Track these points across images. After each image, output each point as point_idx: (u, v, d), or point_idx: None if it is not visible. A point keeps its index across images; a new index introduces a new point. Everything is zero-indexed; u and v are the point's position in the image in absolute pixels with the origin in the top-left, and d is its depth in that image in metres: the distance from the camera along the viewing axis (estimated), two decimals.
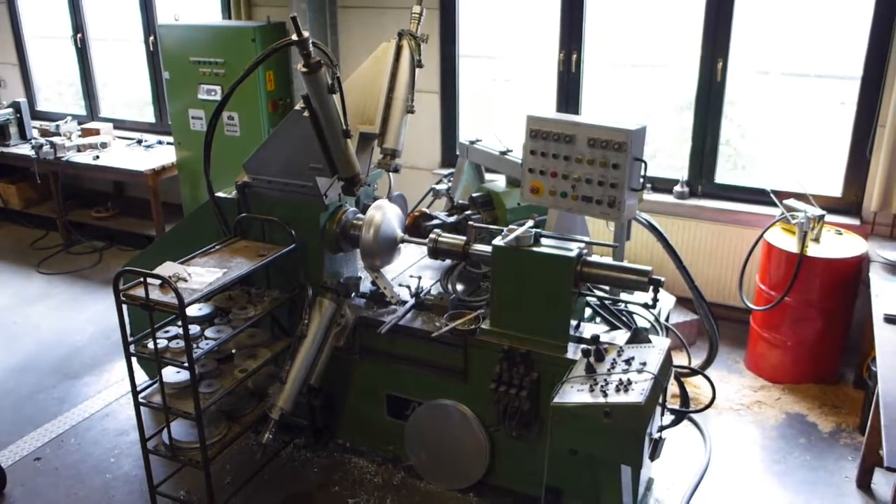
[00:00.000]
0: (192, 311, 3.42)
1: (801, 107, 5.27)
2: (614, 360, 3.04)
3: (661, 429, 3.24)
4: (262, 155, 3.67)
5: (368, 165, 3.81)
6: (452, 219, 4.03)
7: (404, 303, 3.72)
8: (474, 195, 4.11)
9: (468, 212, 4.04)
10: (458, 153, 4.54)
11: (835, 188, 4.97)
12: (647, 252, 5.22)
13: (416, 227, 3.98)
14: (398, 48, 3.66)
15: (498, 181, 4.27)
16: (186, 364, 3.13)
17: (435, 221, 3.98)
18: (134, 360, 3.32)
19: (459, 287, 3.89)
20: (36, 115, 7.77)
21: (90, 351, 5.10)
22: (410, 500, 3.66)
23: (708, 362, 4.45)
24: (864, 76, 4.71)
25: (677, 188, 5.28)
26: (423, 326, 3.58)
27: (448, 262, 3.94)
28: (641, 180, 3.40)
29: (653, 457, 3.10)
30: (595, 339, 3.13)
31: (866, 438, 3.64)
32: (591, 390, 2.86)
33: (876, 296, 3.84)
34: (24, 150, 6.90)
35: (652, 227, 4.05)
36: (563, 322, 3.28)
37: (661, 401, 3.03)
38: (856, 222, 4.83)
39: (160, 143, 7.01)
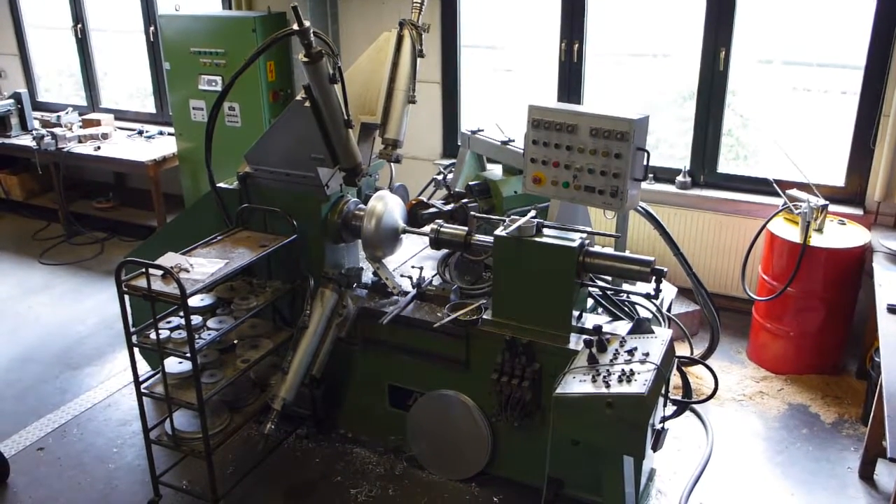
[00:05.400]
0: (193, 301, 3.42)
1: (804, 96, 5.24)
2: (617, 350, 3.04)
3: (664, 419, 3.24)
4: (264, 145, 3.66)
5: (370, 156, 3.81)
6: (449, 207, 4.02)
7: (406, 293, 3.72)
8: (471, 183, 4.11)
9: (465, 200, 4.03)
10: (459, 143, 4.52)
11: (838, 178, 4.96)
12: (649, 242, 5.21)
13: (413, 215, 3.97)
14: (399, 38, 3.65)
15: (494, 169, 4.26)
16: (188, 354, 3.13)
17: (432, 210, 3.97)
18: (136, 350, 3.32)
19: (456, 274, 3.89)
20: (37, 106, 7.75)
21: (92, 341, 5.10)
22: (412, 490, 3.66)
23: (710, 351, 4.45)
24: (867, 66, 4.69)
25: (679, 178, 5.27)
26: (424, 317, 3.57)
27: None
28: (644, 170, 3.39)
29: (655, 447, 3.10)
30: (597, 330, 3.13)
31: (869, 429, 3.64)
32: (594, 381, 2.86)
33: (879, 286, 3.82)
34: (26, 140, 6.89)
35: (650, 216, 4.04)
36: (565, 312, 3.27)
37: (663, 391, 3.02)
38: (859, 212, 4.81)
39: (161, 133, 7.00)
